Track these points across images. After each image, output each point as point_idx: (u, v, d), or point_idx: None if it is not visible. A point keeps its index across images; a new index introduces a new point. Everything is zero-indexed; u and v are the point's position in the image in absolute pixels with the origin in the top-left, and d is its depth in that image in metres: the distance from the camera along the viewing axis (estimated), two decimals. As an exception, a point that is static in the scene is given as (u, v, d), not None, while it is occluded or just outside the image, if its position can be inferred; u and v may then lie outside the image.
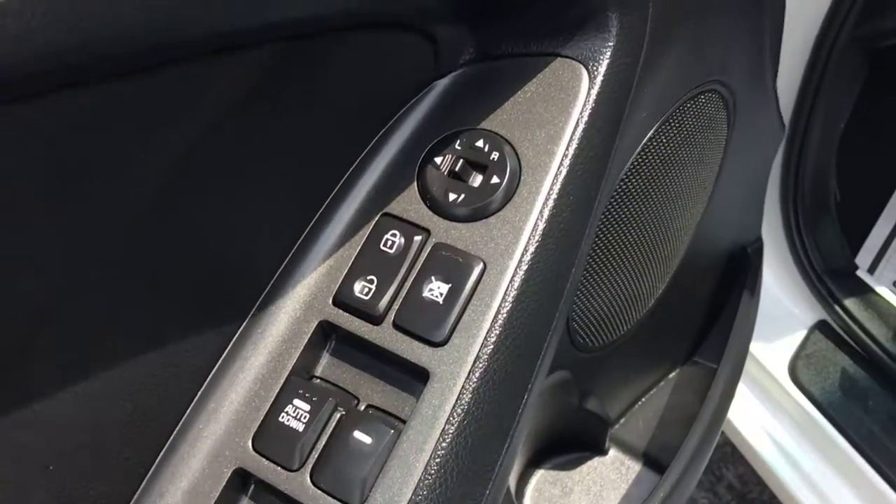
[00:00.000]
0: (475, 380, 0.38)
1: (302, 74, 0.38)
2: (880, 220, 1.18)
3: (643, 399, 0.86)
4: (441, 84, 0.43)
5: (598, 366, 0.69)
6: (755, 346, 1.02)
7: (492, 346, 0.38)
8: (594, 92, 0.42)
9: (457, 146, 0.42)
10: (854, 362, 0.98)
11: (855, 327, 0.98)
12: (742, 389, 1.01)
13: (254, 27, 0.29)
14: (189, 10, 0.26)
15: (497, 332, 0.38)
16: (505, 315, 0.39)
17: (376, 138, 0.42)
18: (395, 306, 0.39)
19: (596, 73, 0.42)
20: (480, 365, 0.38)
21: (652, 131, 0.54)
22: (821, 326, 1.01)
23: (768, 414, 0.99)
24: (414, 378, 0.39)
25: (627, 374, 0.77)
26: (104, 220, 0.33)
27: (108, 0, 0.23)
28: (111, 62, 0.26)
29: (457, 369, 0.38)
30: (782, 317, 1.03)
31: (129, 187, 0.33)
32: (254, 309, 0.40)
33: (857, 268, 1.02)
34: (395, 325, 0.39)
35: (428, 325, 0.38)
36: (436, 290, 0.39)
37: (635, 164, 0.55)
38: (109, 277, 0.34)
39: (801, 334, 1.01)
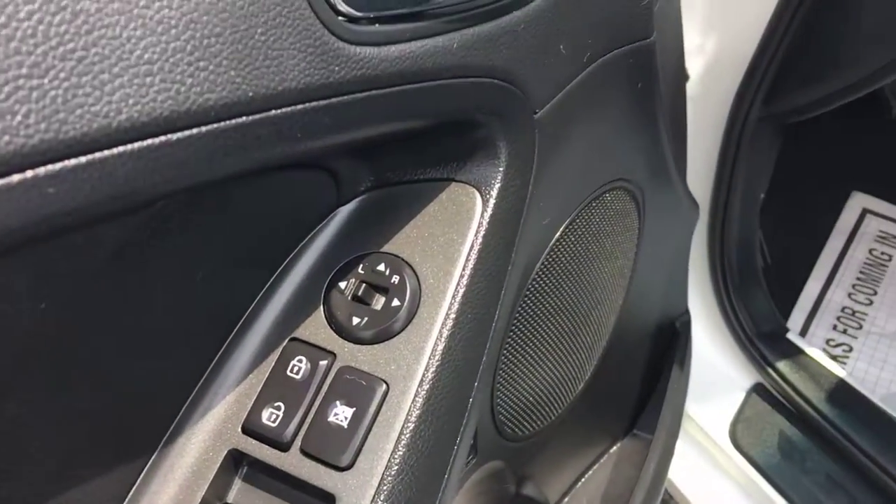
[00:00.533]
0: (380, 503, 0.39)
1: (208, 211, 0.40)
2: (809, 281, 1.23)
3: (587, 475, 0.87)
4: (344, 211, 0.45)
5: (533, 451, 0.70)
6: (697, 412, 1.04)
7: (396, 468, 0.40)
8: (487, 214, 0.44)
9: (360, 270, 0.44)
10: (791, 424, 1.00)
11: (789, 389, 1.01)
12: (687, 454, 1.03)
13: (171, 191, 0.31)
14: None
15: (401, 452, 0.40)
16: (409, 435, 0.40)
17: (282, 266, 0.44)
18: (302, 432, 0.41)
19: (488, 196, 0.44)
20: (385, 487, 0.39)
21: (559, 232, 0.57)
22: (757, 389, 1.04)
23: (713, 478, 1.01)
24: (323, 502, 0.40)
25: (565, 455, 0.79)
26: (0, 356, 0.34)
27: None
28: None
29: (361, 493, 0.39)
30: (721, 382, 1.06)
31: (28, 323, 0.34)
32: (162, 442, 0.41)
33: (787, 330, 1.06)
34: (303, 451, 0.40)
35: (333, 449, 0.40)
36: (341, 414, 0.41)
37: (546, 262, 0.57)
38: (8, 417, 0.35)
39: (740, 398, 1.04)
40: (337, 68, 0.33)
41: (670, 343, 0.89)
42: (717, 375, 1.05)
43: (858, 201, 1.31)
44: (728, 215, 0.99)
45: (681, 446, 1.04)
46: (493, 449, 0.62)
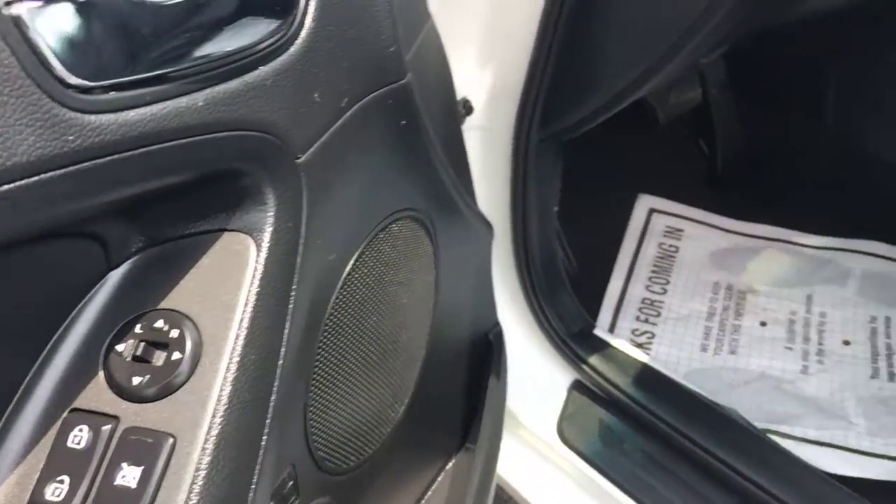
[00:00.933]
0: (177, 555, 0.39)
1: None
2: (611, 280, 1.35)
3: (426, 496, 0.90)
4: (116, 274, 0.46)
5: (364, 481, 0.72)
6: (526, 416, 1.11)
7: (190, 518, 0.40)
8: (262, 258, 0.46)
9: (138, 330, 0.44)
10: (608, 412, 1.09)
11: (602, 381, 1.10)
12: (521, 456, 1.09)
13: None
14: None
15: (194, 501, 0.41)
16: (201, 483, 0.41)
17: (55, 337, 0.44)
18: (90, 501, 0.40)
19: (261, 241, 0.47)
20: (181, 539, 0.40)
21: (350, 265, 0.60)
22: (576, 386, 1.13)
23: (546, 475, 1.08)
24: (119, 567, 0.40)
25: (399, 480, 0.81)
26: None
27: None
28: None
29: (156, 550, 0.39)
30: (544, 384, 1.13)
31: None
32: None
33: (594, 327, 1.15)
34: (91, 521, 0.40)
35: (123, 512, 0.40)
36: (129, 475, 0.41)
37: (342, 296, 0.60)
38: None
39: (563, 396, 1.12)
40: (72, 138, 0.34)
41: (486, 355, 0.95)
42: (539, 378, 1.13)
43: (645, 202, 1.46)
44: (527, 230, 1.07)
45: (515, 449, 1.10)
46: (317, 486, 0.63)
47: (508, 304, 1.09)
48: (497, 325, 0.96)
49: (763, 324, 1.26)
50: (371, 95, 0.55)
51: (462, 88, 1.00)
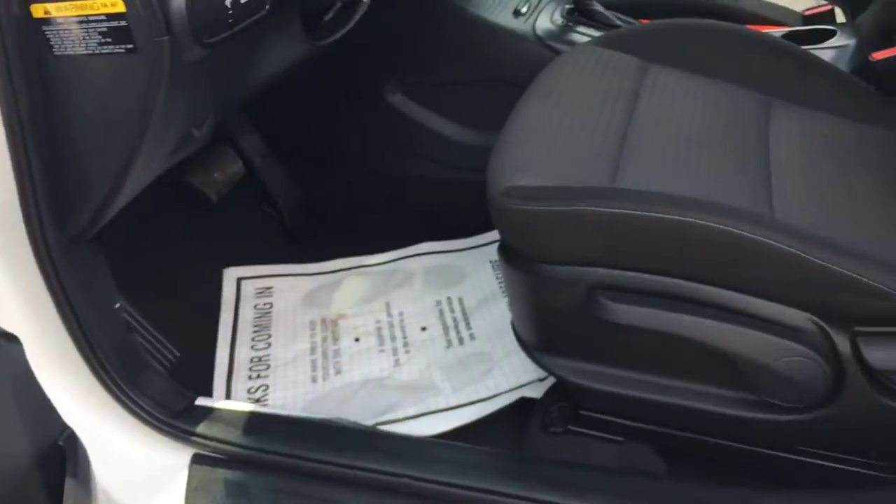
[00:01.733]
0: None
1: None
2: (217, 353, 1.40)
3: None
4: None
5: None
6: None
7: None
8: None
9: None
10: (231, 470, 1.12)
11: (219, 445, 1.12)
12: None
13: None
14: None
15: None
16: None
17: None
18: None
19: None
20: None
21: None
22: (197, 459, 1.14)
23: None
24: None
25: None
26: None
27: None
28: None
29: None
30: (162, 469, 1.13)
31: None
32: None
33: (195, 398, 1.18)
34: None
35: None
36: None
37: None
38: None
39: (185, 473, 1.13)
40: None
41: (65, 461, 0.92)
42: (155, 467, 1.12)
43: (231, 274, 1.55)
44: (85, 331, 1.07)
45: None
46: None
47: (92, 404, 1.07)
48: (66, 429, 0.95)
49: (357, 339, 1.42)
50: None
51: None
